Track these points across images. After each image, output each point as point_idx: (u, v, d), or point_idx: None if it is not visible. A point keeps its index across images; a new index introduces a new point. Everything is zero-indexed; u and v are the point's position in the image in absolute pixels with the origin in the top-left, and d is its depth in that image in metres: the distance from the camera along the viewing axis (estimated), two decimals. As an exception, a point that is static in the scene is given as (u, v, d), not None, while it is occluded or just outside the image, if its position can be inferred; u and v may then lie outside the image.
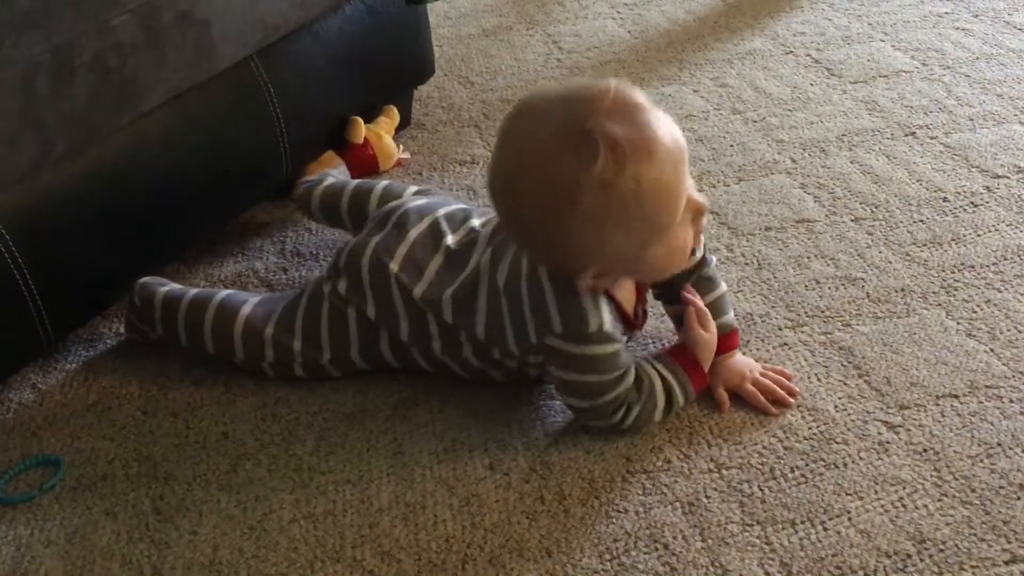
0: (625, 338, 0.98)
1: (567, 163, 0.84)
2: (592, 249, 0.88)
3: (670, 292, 1.05)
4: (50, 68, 0.98)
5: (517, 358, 0.99)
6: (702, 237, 1.00)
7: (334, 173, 1.34)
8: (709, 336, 1.00)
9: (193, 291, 1.12)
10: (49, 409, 1.08)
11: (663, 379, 0.98)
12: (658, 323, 1.11)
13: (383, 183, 1.21)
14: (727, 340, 1.04)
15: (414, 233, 1.04)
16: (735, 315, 1.10)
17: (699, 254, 1.03)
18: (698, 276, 1.04)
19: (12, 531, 0.95)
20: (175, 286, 1.13)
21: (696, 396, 1.01)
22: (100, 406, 1.08)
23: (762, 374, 1.02)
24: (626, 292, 0.99)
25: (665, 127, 0.86)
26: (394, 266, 1.02)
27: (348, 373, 1.08)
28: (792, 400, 1.00)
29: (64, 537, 0.94)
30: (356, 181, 1.27)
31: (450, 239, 1.04)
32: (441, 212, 1.07)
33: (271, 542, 0.91)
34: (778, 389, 1.01)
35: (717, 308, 1.04)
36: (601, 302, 0.94)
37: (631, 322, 0.99)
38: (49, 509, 0.97)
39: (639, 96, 0.87)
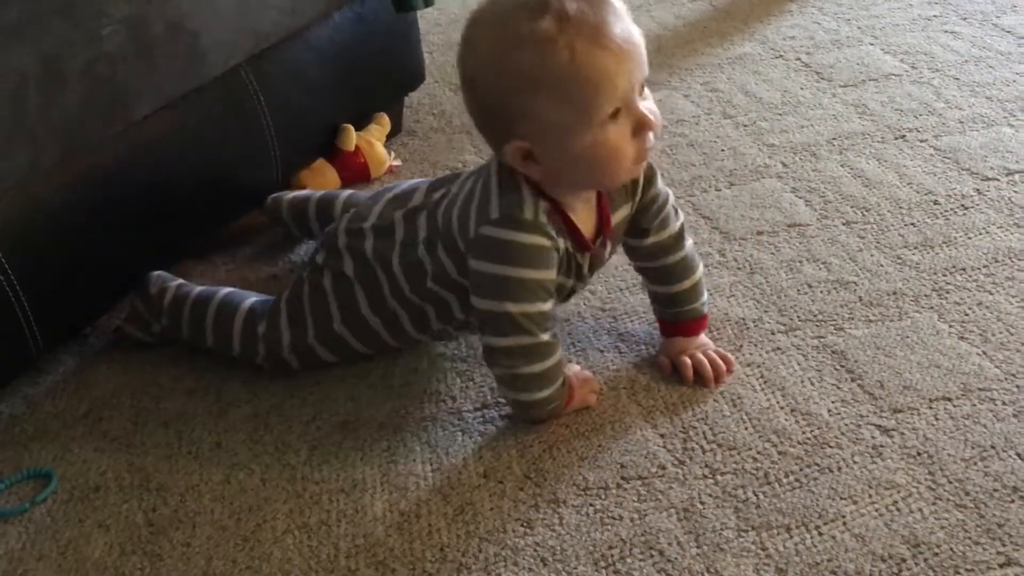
0: (570, 266, 0.98)
1: (516, 17, 0.87)
2: (522, 114, 0.90)
3: (644, 253, 1.06)
4: (40, 78, 0.97)
5: (462, 258, 0.97)
6: (649, 158, 0.98)
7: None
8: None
9: (199, 288, 1.15)
10: (40, 421, 1.08)
11: (564, 381, 0.99)
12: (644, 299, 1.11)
13: (347, 192, 1.28)
14: (696, 324, 1.07)
15: (382, 204, 1.07)
16: (727, 318, 1.10)
17: (663, 196, 1.04)
18: (676, 256, 1.05)
19: (4, 544, 0.94)
20: (184, 282, 1.17)
21: (542, 413, 1.00)
22: (91, 417, 1.08)
23: (704, 353, 1.05)
24: (583, 217, 0.98)
25: (622, 23, 0.90)
26: (367, 224, 1.05)
27: (339, 353, 1.08)
28: (712, 384, 1.03)
29: (56, 550, 0.93)
30: (322, 191, 1.31)
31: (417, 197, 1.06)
32: (415, 183, 1.10)
33: (265, 553, 0.91)
34: (707, 367, 1.04)
35: (694, 293, 1.07)
36: (540, 204, 0.94)
37: (583, 242, 0.98)
38: (41, 522, 0.96)
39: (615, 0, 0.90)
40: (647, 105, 0.92)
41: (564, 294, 1.03)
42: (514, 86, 0.89)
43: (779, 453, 0.96)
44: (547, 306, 0.95)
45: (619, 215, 1.01)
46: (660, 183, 1.04)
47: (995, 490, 0.91)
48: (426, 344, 1.14)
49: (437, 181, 1.07)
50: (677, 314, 1.08)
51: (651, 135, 0.92)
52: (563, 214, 0.96)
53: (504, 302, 0.94)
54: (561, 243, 0.96)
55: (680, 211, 1.07)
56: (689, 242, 1.08)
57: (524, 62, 0.87)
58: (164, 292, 1.14)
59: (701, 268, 1.08)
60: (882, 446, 0.96)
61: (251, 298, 1.12)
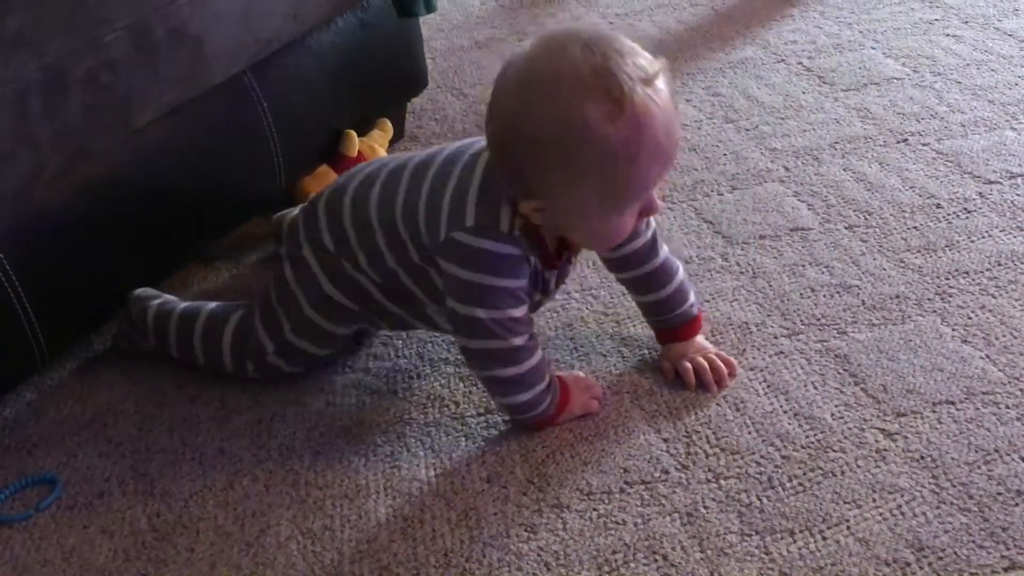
0: (537, 280, 0.99)
1: (590, 108, 0.85)
2: (554, 189, 0.90)
3: (618, 264, 1.07)
4: (43, 86, 0.98)
5: (430, 259, 0.97)
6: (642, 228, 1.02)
7: None
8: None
9: (183, 304, 1.13)
10: (44, 427, 1.08)
11: (550, 385, 0.99)
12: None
13: None
14: (690, 327, 1.08)
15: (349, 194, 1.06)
16: (730, 322, 1.10)
17: (648, 235, 1.05)
18: (651, 266, 1.06)
19: (8, 551, 0.94)
20: (167, 298, 1.15)
21: (535, 423, 1.01)
22: (96, 423, 1.08)
23: (705, 357, 1.05)
24: (551, 236, 0.98)
25: (674, 127, 0.89)
26: (347, 199, 1.03)
27: (321, 342, 1.07)
28: (714, 387, 1.04)
29: (61, 556, 0.93)
30: None
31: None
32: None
33: (268, 559, 0.91)
34: (708, 371, 1.04)
35: (678, 297, 1.07)
36: (516, 220, 0.94)
37: (550, 259, 0.99)
38: (45, 528, 0.96)
39: (664, 77, 0.89)
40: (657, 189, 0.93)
41: (531, 307, 1.03)
42: (563, 169, 0.88)
43: (783, 457, 0.96)
44: (518, 312, 0.96)
45: None
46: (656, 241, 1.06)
47: (999, 494, 0.90)
48: (428, 349, 1.14)
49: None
50: (668, 320, 1.08)
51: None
52: (535, 230, 0.96)
53: (475, 308, 0.95)
54: (531, 259, 0.97)
55: (652, 220, 1.06)
56: (664, 248, 1.08)
57: (584, 155, 0.86)
58: (145, 312, 1.12)
59: (682, 271, 1.08)
60: (886, 450, 0.96)
61: (238, 313, 1.10)
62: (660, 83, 0.88)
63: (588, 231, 0.96)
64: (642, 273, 1.07)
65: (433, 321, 1.06)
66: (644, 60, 0.88)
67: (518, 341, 0.96)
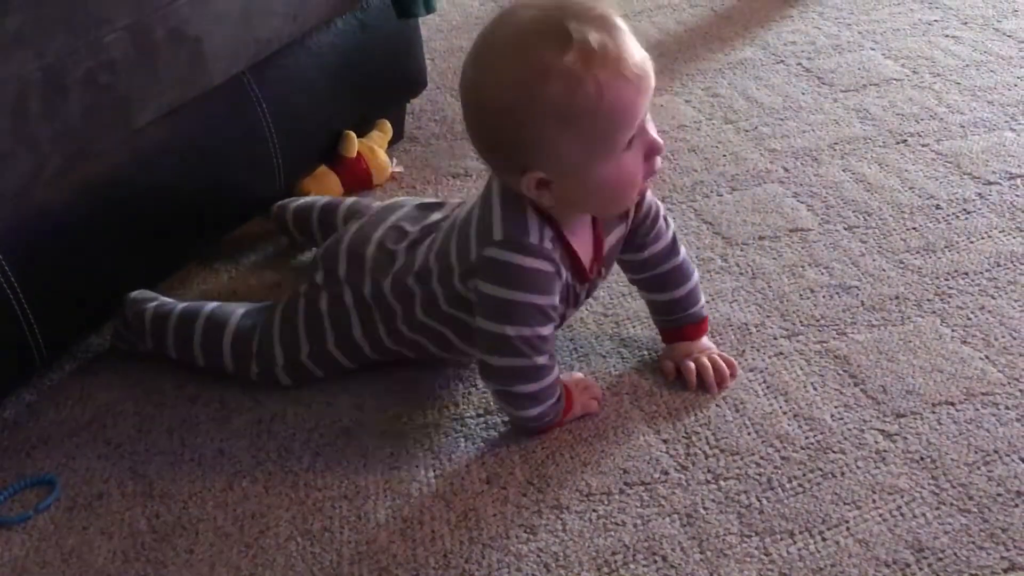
0: (569, 295, 0.99)
1: (540, 49, 0.85)
2: (543, 146, 0.89)
3: (640, 265, 1.07)
4: (42, 86, 0.98)
5: (457, 285, 0.97)
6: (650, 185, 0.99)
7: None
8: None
9: (181, 305, 1.13)
10: (43, 428, 1.08)
11: (559, 397, 0.99)
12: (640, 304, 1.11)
13: (350, 200, 1.28)
14: (698, 328, 1.08)
15: (381, 231, 1.07)
16: (729, 323, 1.10)
17: (654, 209, 1.04)
18: (671, 264, 1.06)
19: (7, 552, 0.94)
20: (164, 300, 1.14)
21: (538, 429, 1.01)
22: (95, 424, 1.08)
23: (708, 357, 1.05)
24: (581, 242, 0.98)
25: (639, 53, 0.88)
26: (368, 252, 1.04)
27: (330, 371, 1.08)
28: (716, 388, 1.04)
29: (60, 558, 0.93)
30: (326, 198, 1.31)
31: (411, 229, 1.06)
32: (409, 205, 1.11)
33: (268, 560, 0.91)
34: (710, 371, 1.04)
35: (692, 297, 1.07)
36: (546, 230, 0.94)
37: (583, 270, 0.99)
38: (44, 529, 0.96)
39: (620, 20, 0.89)
40: (652, 127, 0.92)
41: (560, 320, 1.03)
42: (538, 120, 0.87)
43: (782, 458, 0.96)
44: (546, 330, 0.95)
45: (613, 237, 1.02)
46: (649, 195, 1.03)
47: (999, 494, 0.90)
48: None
49: (427, 203, 1.09)
50: (678, 320, 1.08)
51: (659, 158, 0.93)
52: (565, 241, 0.96)
53: (504, 325, 0.94)
54: (563, 274, 0.96)
55: (671, 219, 1.07)
56: (683, 248, 1.08)
57: (550, 96, 0.85)
58: (142, 314, 1.12)
59: (696, 274, 1.08)
60: (885, 451, 0.96)
61: (238, 312, 1.10)
62: (612, 20, 0.87)
63: (597, 184, 0.91)
64: (660, 272, 1.07)
65: (463, 352, 1.06)
66: (596, 6, 0.88)
67: (542, 360, 0.95)
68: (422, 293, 1.00)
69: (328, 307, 1.06)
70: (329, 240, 1.12)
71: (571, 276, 0.98)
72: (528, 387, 0.96)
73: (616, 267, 1.09)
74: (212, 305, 1.13)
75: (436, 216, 1.06)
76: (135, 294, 1.14)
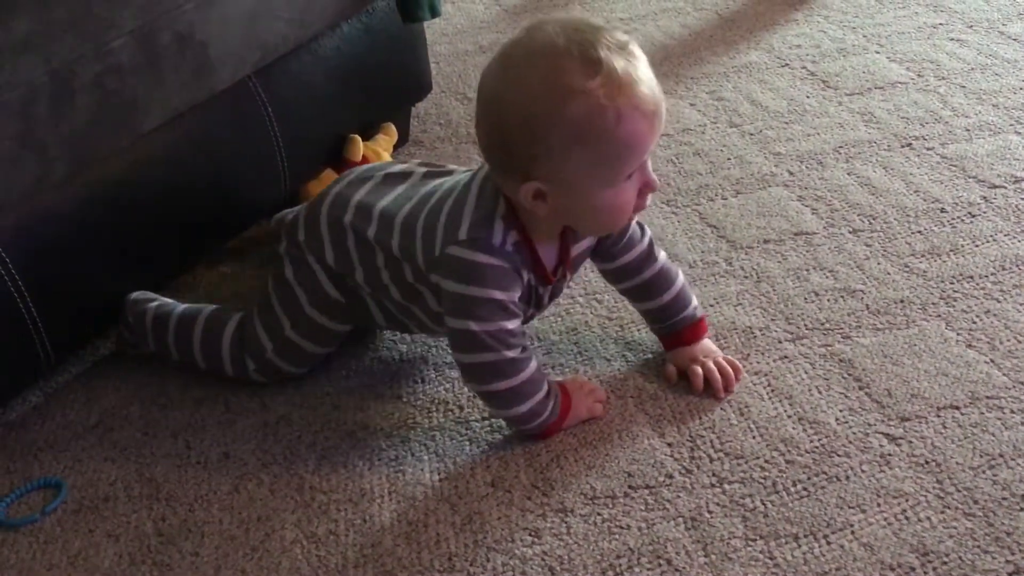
0: (531, 296, 1.00)
1: (568, 68, 0.88)
2: (552, 161, 0.90)
3: (617, 274, 1.08)
4: (49, 91, 0.98)
5: (424, 278, 0.99)
6: (636, 219, 1.03)
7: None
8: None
9: (181, 307, 1.14)
10: (50, 431, 1.08)
11: (549, 392, 1.00)
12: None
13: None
14: (694, 330, 1.08)
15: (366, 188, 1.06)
16: (734, 327, 1.10)
17: (644, 243, 1.06)
18: (650, 272, 1.07)
19: (14, 554, 0.94)
20: (164, 301, 1.15)
21: (540, 431, 1.00)
22: (101, 427, 1.08)
23: (714, 361, 1.05)
24: (547, 247, 1.00)
25: (655, 87, 0.91)
26: (347, 217, 1.04)
27: (323, 341, 1.08)
28: (722, 393, 1.03)
29: (66, 560, 0.93)
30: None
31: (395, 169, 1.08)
32: (376, 178, 1.09)
33: (273, 563, 0.91)
34: (716, 376, 1.04)
35: (680, 301, 1.08)
36: (511, 234, 0.95)
37: (545, 275, 1.00)
38: (51, 532, 0.96)
39: (639, 49, 0.92)
40: (649, 166, 0.95)
41: (523, 319, 1.03)
42: (553, 135, 0.89)
43: (787, 462, 0.96)
44: (511, 324, 0.96)
45: (581, 245, 1.03)
46: (646, 237, 1.07)
47: (1004, 498, 0.90)
48: (432, 353, 1.14)
49: (393, 174, 1.07)
50: (672, 325, 1.08)
51: (650, 196, 0.96)
52: (530, 246, 0.97)
53: (468, 320, 0.95)
54: (525, 275, 0.97)
55: (646, 227, 1.07)
56: (662, 254, 1.08)
57: (571, 115, 0.88)
58: (143, 315, 1.13)
59: (681, 276, 1.09)
60: (890, 455, 0.96)
61: (235, 317, 1.11)
62: (634, 48, 0.91)
63: (592, 207, 0.94)
64: (641, 281, 1.07)
65: (430, 329, 1.07)
66: (616, 32, 0.91)
67: (511, 353, 0.96)
68: (387, 266, 1.01)
69: (294, 272, 1.07)
70: (292, 214, 1.13)
71: (533, 278, 0.99)
72: (504, 383, 0.96)
73: None
74: (210, 308, 1.13)
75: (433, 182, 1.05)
76: (135, 295, 1.15)
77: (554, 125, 0.88)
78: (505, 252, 0.95)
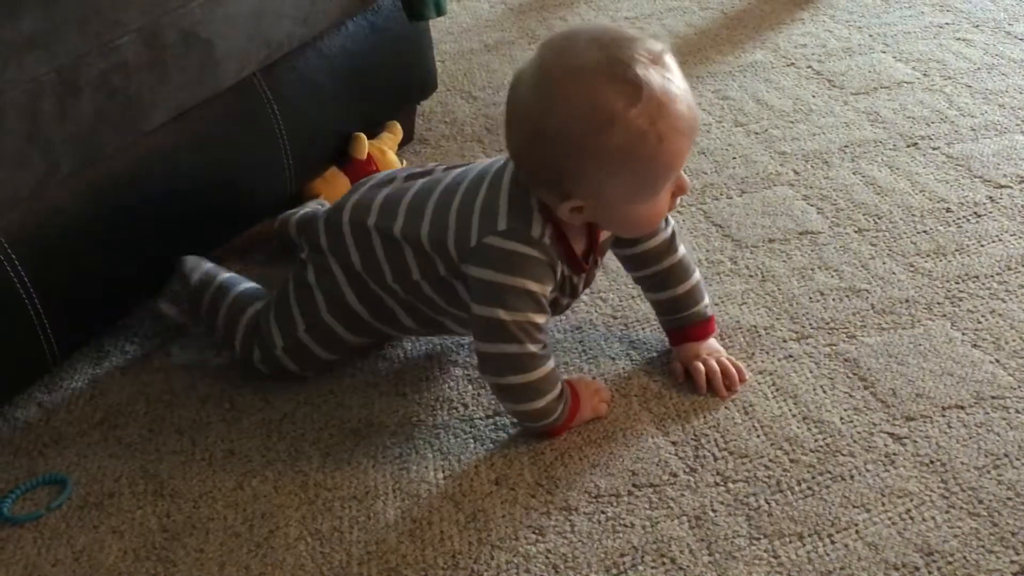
0: (566, 286, 1.00)
1: (611, 94, 0.87)
2: (592, 182, 0.91)
3: (636, 261, 1.08)
4: (55, 89, 0.98)
5: (456, 270, 0.98)
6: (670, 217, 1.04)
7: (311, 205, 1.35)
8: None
9: (226, 275, 1.16)
10: (55, 427, 1.09)
11: (562, 392, 0.99)
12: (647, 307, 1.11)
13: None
14: (703, 328, 1.08)
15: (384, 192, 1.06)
16: (739, 326, 1.10)
17: (667, 231, 1.07)
18: (669, 262, 1.07)
19: (19, 550, 0.95)
20: (212, 265, 1.18)
21: (548, 430, 1.00)
22: (106, 424, 1.08)
23: (718, 361, 1.05)
24: (578, 237, 1.00)
25: (692, 101, 0.92)
26: (371, 220, 1.03)
27: (333, 348, 1.08)
28: (725, 393, 1.03)
29: (71, 556, 0.94)
30: (327, 208, 1.30)
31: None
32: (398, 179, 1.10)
33: (277, 560, 0.91)
34: (719, 375, 1.04)
35: (694, 295, 1.08)
36: (548, 227, 0.95)
37: (578, 264, 1.00)
38: (56, 528, 0.97)
39: (671, 58, 0.91)
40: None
41: (559, 309, 1.04)
42: (594, 161, 0.89)
43: (791, 461, 0.96)
44: (539, 318, 0.96)
45: (606, 231, 1.03)
46: (674, 234, 1.07)
47: (1008, 498, 0.90)
48: (436, 351, 1.14)
49: (414, 173, 1.08)
50: (681, 319, 1.08)
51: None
52: (564, 239, 0.97)
53: (497, 308, 0.95)
54: (559, 268, 0.97)
55: (669, 217, 1.07)
56: (682, 247, 1.08)
57: (613, 143, 0.88)
58: (194, 272, 1.16)
59: (698, 273, 1.09)
60: (895, 454, 0.96)
61: (256, 304, 1.12)
62: (669, 60, 0.90)
63: (631, 219, 0.96)
64: (659, 269, 1.07)
65: (451, 331, 1.08)
66: (649, 43, 0.90)
67: (533, 348, 0.96)
68: (417, 261, 1.01)
69: (316, 277, 1.07)
70: (307, 216, 1.14)
71: (567, 268, 0.99)
72: (521, 378, 0.96)
73: (622, 271, 1.10)
74: (243, 287, 1.15)
75: (455, 172, 1.05)
76: (191, 258, 1.17)
77: (595, 151, 0.89)
78: (543, 244, 0.95)
